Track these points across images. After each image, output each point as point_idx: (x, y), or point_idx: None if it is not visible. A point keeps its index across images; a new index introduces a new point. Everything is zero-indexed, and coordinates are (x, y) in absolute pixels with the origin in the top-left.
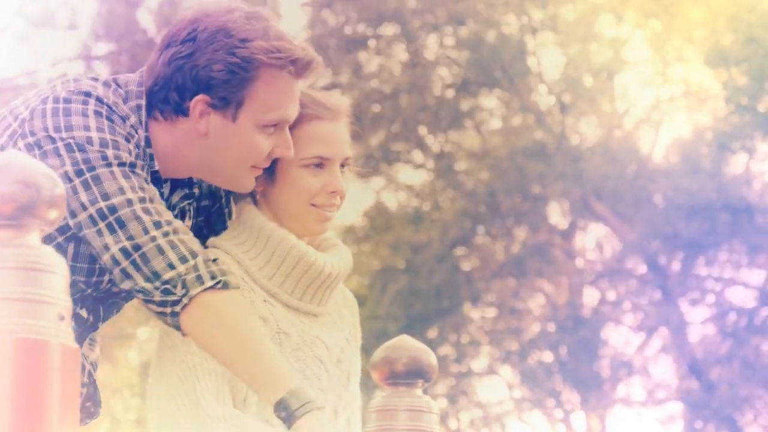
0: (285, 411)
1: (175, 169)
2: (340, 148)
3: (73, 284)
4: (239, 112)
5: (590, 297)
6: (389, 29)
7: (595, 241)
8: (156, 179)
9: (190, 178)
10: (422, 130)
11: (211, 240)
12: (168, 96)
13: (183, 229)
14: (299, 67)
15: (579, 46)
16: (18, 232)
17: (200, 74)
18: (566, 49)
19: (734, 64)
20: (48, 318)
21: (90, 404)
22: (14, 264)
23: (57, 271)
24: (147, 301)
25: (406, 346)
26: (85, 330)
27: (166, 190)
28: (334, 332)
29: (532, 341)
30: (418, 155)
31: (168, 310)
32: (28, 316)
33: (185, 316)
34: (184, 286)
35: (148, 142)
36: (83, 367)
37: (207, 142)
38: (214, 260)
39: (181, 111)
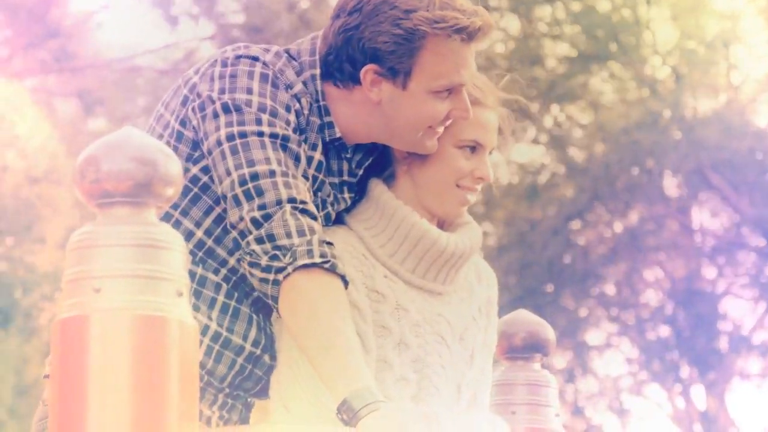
0: (347, 412)
1: (357, 135)
2: (492, 138)
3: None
4: (408, 80)
5: (708, 270)
6: (501, 2)
7: (711, 213)
8: (339, 147)
9: (374, 145)
10: (537, 103)
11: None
12: (342, 65)
13: (312, 212)
14: (467, 33)
15: (692, 16)
16: (135, 209)
17: (367, 46)
18: (680, 20)
19: None
20: (166, 294)
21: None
22: (132, 241)
23: (175, 247)
24: (252, 265)
25: (524, 320)
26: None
27: (351, 157)
28: (459, 310)
29: (649, 315)
30: (531, 130)
31: (271, 276)
32: (146, 293)
33: (283, 288)
34: (293, 255)
35: (327, 111)
36: (273, 338)
37: (382, 110)
38: (329, 243)
39: (355, 80)
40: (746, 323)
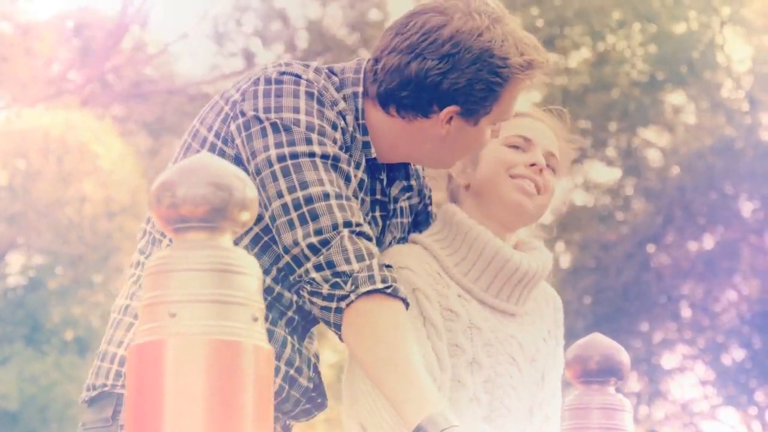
0: None
1: (389, 157)
2: (543, 136)
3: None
4: (483, 118)
5: None
6: (576, 29)
7: None
8: (372, 167)
9: (407, 170)
10: (612, 127)
11: (412, 236)
12: (419, 102)
13: (368, 234)
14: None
15: (766, 39)
16: (211, 234)
17: (460, 91)
18: (754, 43)
19: None
20: (241, 319)
21: (316, 395)
22: (207, 266)
23: (250, 272)
24: (313, 293)
25: (599, 344)
26: (307, 323)
27: (384, 178)
28: (530, 331)
29: (725, 338)
30: (608, 153)
31: (333, 305)
32: (222, 318)
33: (346, 315)
34: (354, 282)
35: (365, 130)
36: (308, 360)
37: (441, 142)
38: (388, 266)
39: (424, 114)
40: None
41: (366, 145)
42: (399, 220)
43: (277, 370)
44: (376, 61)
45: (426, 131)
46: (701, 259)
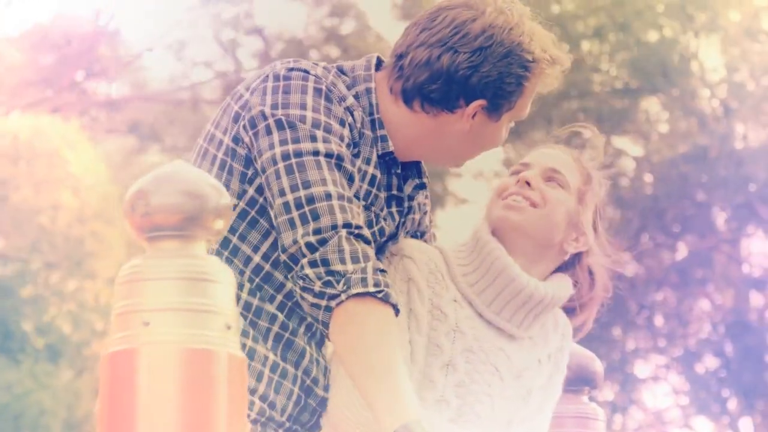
0: None
1: (406, 153)
2: (542, 156)
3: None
4: (505, 114)
5: (756, 303)
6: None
7: (760, 246)
8: (389, 162)
9: (419, 169)
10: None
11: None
12: (446, 96)
13: (367, 237)
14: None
15: (741, 48)
16: (185, 243)
17: (490, 84)
18: (728, 52)
19: None
20: (214, 328)
21: None
22: (181, 274)
23: (223, 280)
24: (305, 289)
25: (572, 353)
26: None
27: (400, 173)
28: (526, 350)
29: (698, 347)
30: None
31: (323, 303)
32: (195, 327)
33: (335, 314)
34: (347, 283)
35: (381, 124)
36: (325, 369)
37: (464, 137)
38: (383, 271)
39: (450, 109)
40: None
41: (383, 139)
42: (412, 216)
43: (294, 378)
44: (401, 56)
45: (449, 126)
46: (675, 268)
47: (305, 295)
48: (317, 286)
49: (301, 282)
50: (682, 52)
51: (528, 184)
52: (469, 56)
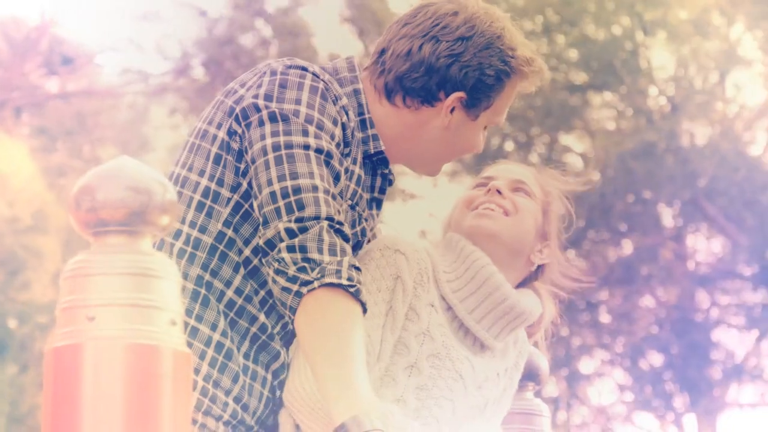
0: None
1: (390, 155)
2: (506, 170)
3: None
4: (483, 113)
5: (701, 299)
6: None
7: (705, 243)
8: (377, 161)
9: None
10: (534, 132)
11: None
12: (427, 85)
13: (346, 234)
14: (539, 78)
15: (690, 46)
16: (130, 238)
17: (469, 74)
18: (677, 50)
19: None
20: (159, 323)
21: None
22: (126, 270)
23: (168, 276)
24: (278, 272)
25: None
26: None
27: (387, 172)
28: (488, 362)
29: (642, 344)
30: (530, 158)
31: (295, 287)
32: (140, 322)
33: (303, 301)
34: (321, 272)
35: (371, 123)
36: (265, 378)
37: (442, 134)
38: (358, 269)
39: (431, 102)
40: (739, 352)
41: (375, 138)
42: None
43: (264, 381)
44: (383, 51)
45: (429, 122)
46: (620, 264)
47: (278, 278)
48: (291, 270)
49: (276, 264)
50: (631, 49)
51: (499, 192)
52: (451, 45)
